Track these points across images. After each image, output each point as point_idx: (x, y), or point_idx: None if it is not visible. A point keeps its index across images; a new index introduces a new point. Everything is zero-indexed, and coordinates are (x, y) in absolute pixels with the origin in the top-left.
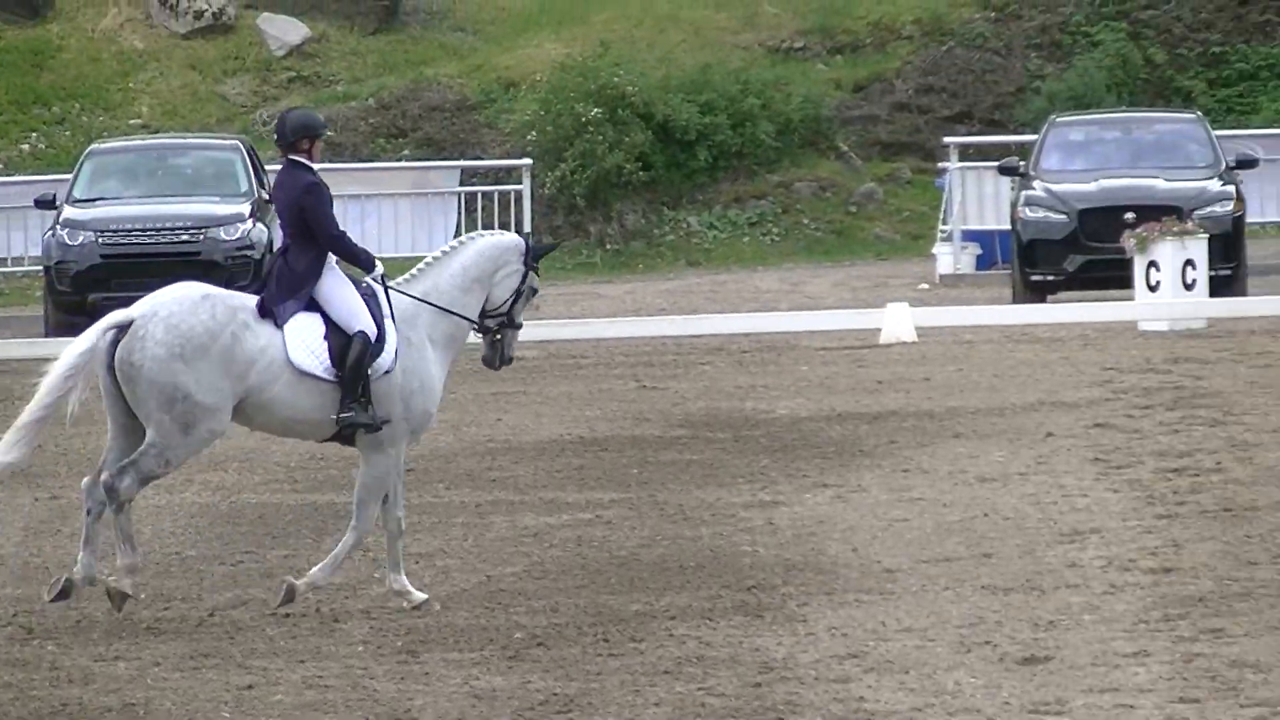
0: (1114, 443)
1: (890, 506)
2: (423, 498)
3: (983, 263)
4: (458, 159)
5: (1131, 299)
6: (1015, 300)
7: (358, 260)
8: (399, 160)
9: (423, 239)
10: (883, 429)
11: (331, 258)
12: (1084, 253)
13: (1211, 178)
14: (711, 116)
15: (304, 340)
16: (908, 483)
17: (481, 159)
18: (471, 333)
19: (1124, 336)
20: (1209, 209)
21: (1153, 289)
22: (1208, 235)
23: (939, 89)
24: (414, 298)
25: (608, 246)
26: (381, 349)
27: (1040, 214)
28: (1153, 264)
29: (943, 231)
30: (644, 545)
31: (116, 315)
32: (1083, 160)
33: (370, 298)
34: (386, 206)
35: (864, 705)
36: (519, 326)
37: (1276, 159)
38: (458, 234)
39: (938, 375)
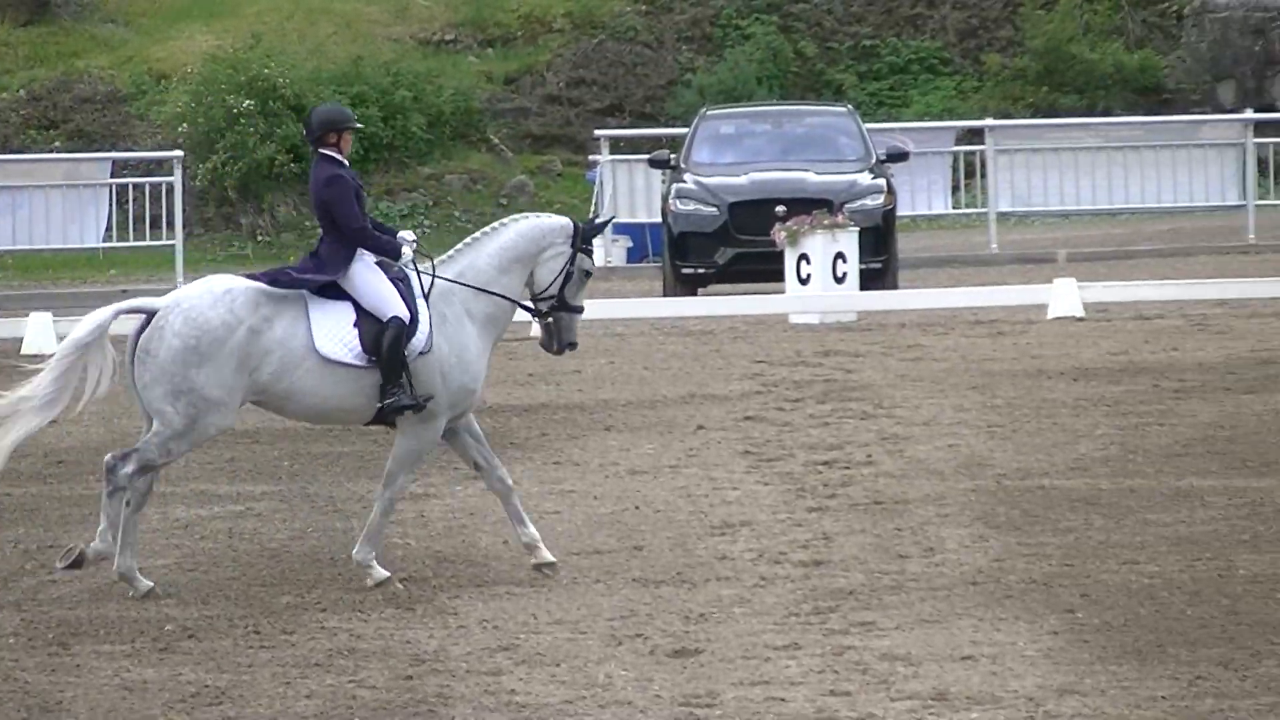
0: (765, 435)
1: (541, 499)
2: (74, 490)
3: (633, 255)
4: (109, 151)
5: (782, 292)
6: (666, 293)
7: (384, 251)
8: (50, 152)
9: (74, 231)
10: (534, 421)
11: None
12: (735, 246)
13: (862, 171)
14: (362, 109)
15: (331, 328)
16: (559, 475)
17: (133, 150)
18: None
19: (775, 329)
20: (859, 202)
21: (803, 282)
22: (858, 228)
23: (590, 82)
24: (447, 279)
25: (259, 238)
26: (415, 330)
27: (691, 207)
28: (803, 257)
29: None
30: (295, 538)
31: (139, 301)
32: (733, 153)
33: (402, 280)
34: (38, 198)
35: (515, 698)
36: (577, 310)
37: (927, 152)
38: (109, 227)
39: (589, 368)
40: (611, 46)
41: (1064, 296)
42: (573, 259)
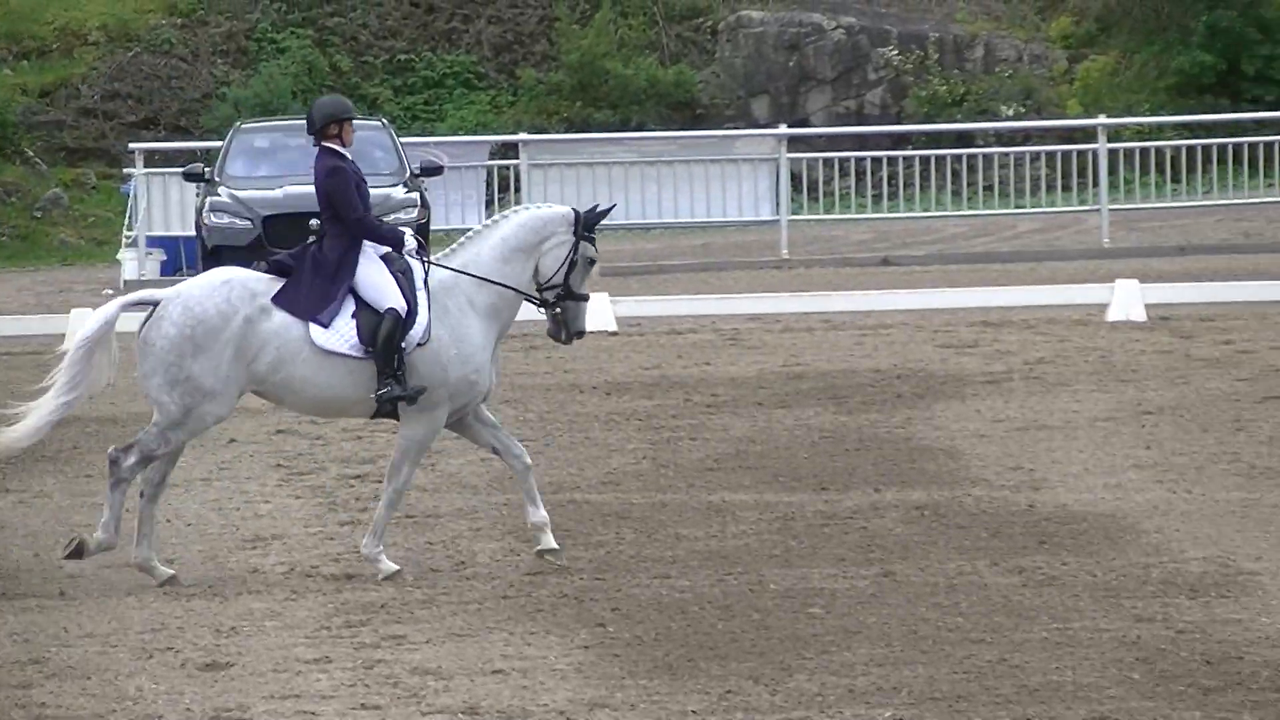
0: (297, 449)
1: (73, 511)
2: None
3: (168, 269)
4: None
5: None
6: None
7: (386, 239)
8: None
9: None
10: (67, 434)
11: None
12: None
13: (396, 184)
14: None
15: (329, 319)
16: (91, 488)
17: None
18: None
19: None
20: (394, 216)
21: None
22: None
23: (125, 95)
24: (450, 269)
25: None
26: (413, 322)
27: (225, 220)
28: None
29: (128, 237)
30: None
31: (144, 293)
32: (268, 166)
33: (404, 273)
34: None
35: (46, 711)
36: (583, 298)
37: (461, 166)
38: None
39: (122, 381)
40: (147, 59)
41: (598, 311)
42: (575, 247)
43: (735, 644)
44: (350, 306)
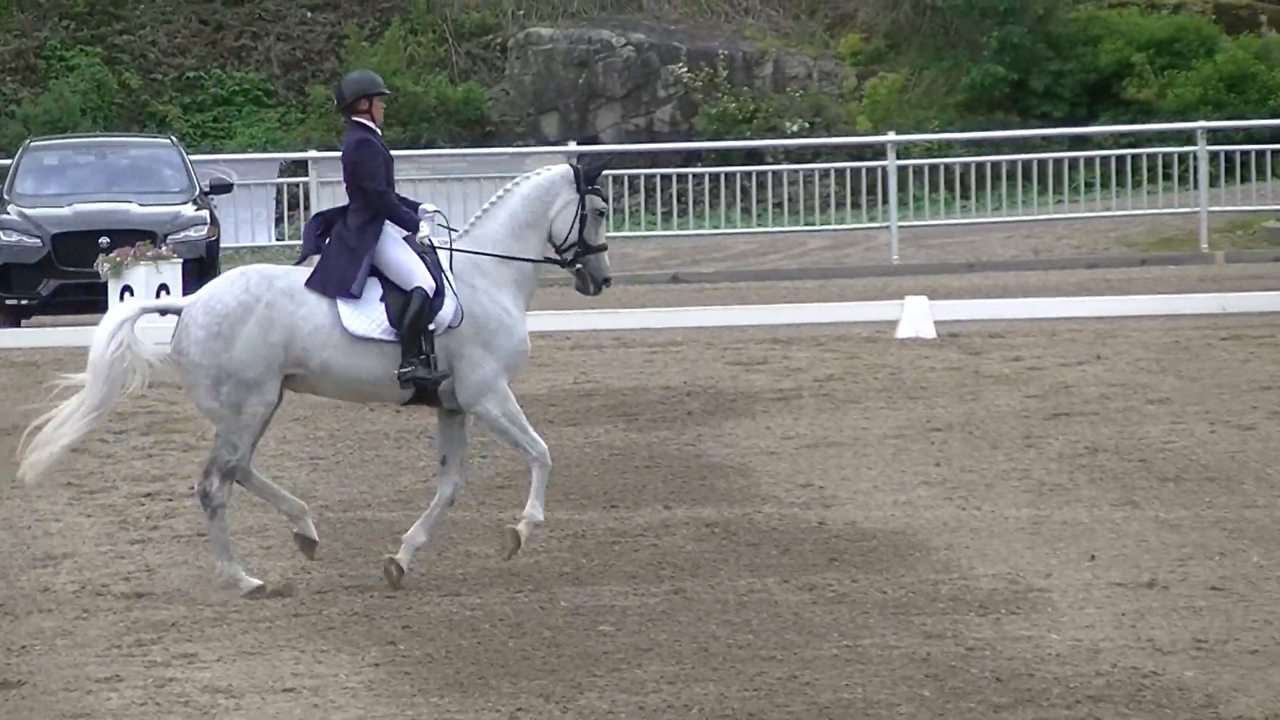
0: (88, 467)
1: None
2: None
3: None
4: None
5: None
6: None
7: (402, 221)
8: None
9: None
10: None
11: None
12: (58, 277)
13: (186, 203)
14: None
15: (357, 304)
16: None
17: None
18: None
19: None
20: (183, 234)
21: None
22: (182, 260)
23: None
24: (467, 252)
25: None
26: (441, 303)
27: (14, 238)
28: (127, 288)
29: None
30: None
31: (165, 301)
32: (58, 185)
33: (428, 253)
34: None
35: None
36: (601, 248)
37: (251, 184)
38: None
39: None
40: None
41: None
42: (582, 203)
43: (526, 661)
44: (377, 290)
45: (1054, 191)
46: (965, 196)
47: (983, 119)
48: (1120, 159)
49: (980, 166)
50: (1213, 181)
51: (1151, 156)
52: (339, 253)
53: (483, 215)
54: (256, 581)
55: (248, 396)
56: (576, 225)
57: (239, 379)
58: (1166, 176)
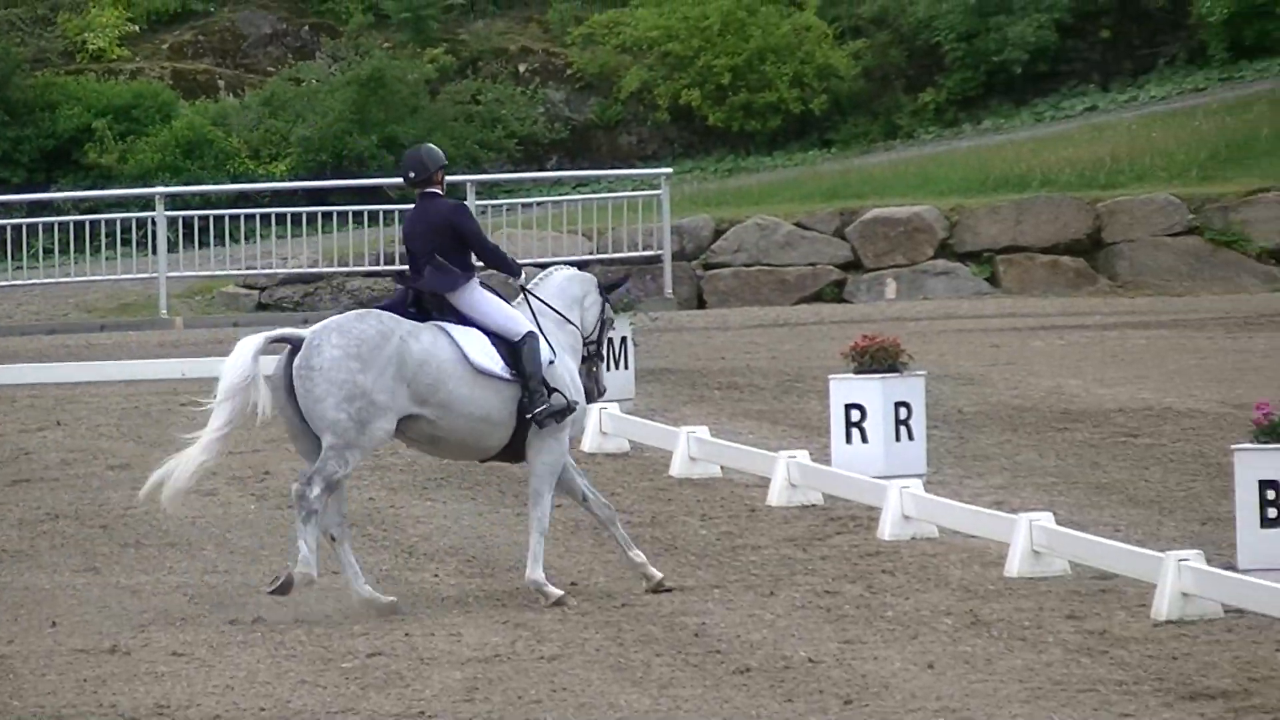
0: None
1: None
2: None
3: None
4: None
5: None
6: None
7: (507, 267)
8: None
9: None
10: None
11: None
12: None
13: None
14: None
15: (475, 343)
16: None
17: None
18: None
19: None
20: None
21: None
22: None
23: None
24: (546, 304)
25: None
26: (537, 343)
27: None
28: None
29: None
30: None
31: (283, 331)
32: None
33: (520, 304)
34: None
35: None
36: (603, 358)
37: None
38: None
39: None
40: None
41: None
42: (604, 307)
43: None
44: (484, 335)
45: (13, 258)
46: None
47: None
48: (80, 224)
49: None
50: (171, 247)
51: (111, 222)
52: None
53: (534, 287)
54: (390, 599)
55: (376, 418)
56: (598, 326)
57: (370, 399)
58: (126, 242)
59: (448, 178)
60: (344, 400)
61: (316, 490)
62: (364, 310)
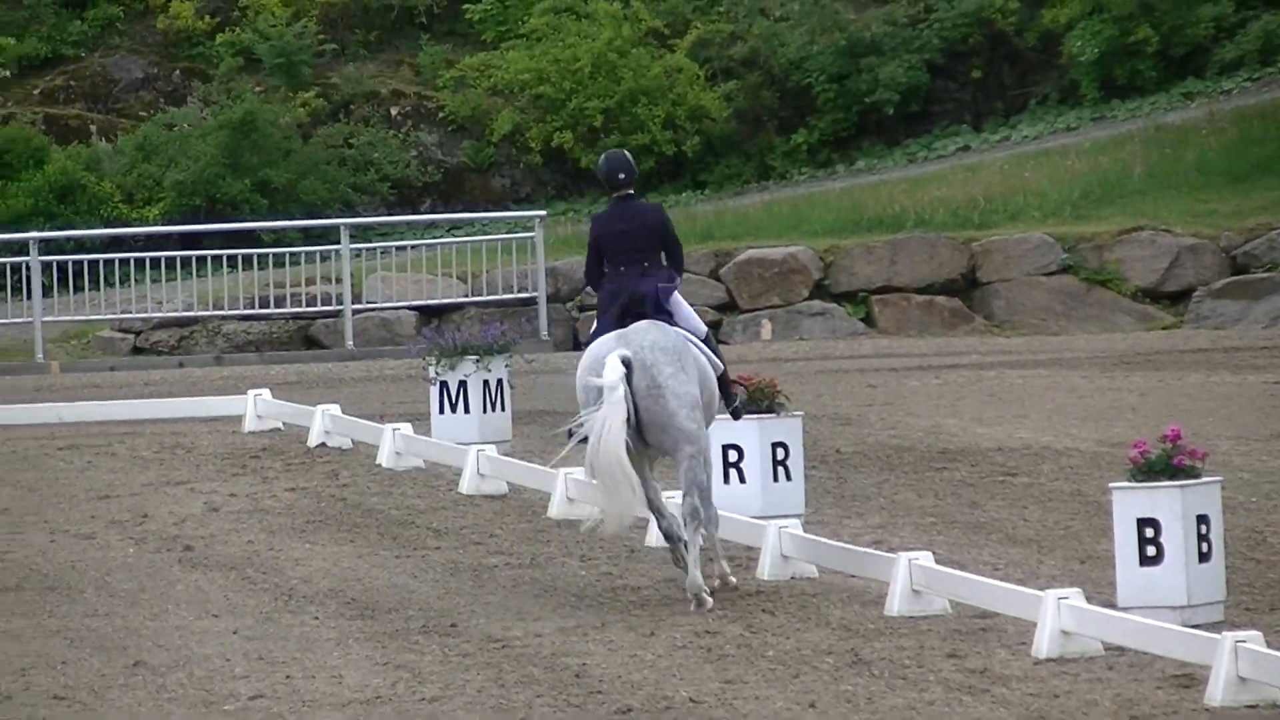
0: None
1: None
2: None
3: None
4: None
5: None
6: None
7: (680, 268)
8: None
9: None
10: None
11: None
12: None
13: None
14: None
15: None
16: None
17: None
18: None
19: None
20: None
21: None
22: None
23: None
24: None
25: None
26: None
27: None
28: None
29: None
30: None
31: (618, 354)
32: None
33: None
34: None
35: None
36: None
37: None
38: None
39: None
40: None
41: None
42: None
43: None
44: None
45: None
46: None
47: None
48: None
49: None
50: (46, 291)
51: None
52: (661, 300)
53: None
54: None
55: (707, 419)
56: None
57: (698, 404)
58: (0, 287)
59: (320, 221)
60: (691, 410)
61: (697, 500)
62: (649, 322)
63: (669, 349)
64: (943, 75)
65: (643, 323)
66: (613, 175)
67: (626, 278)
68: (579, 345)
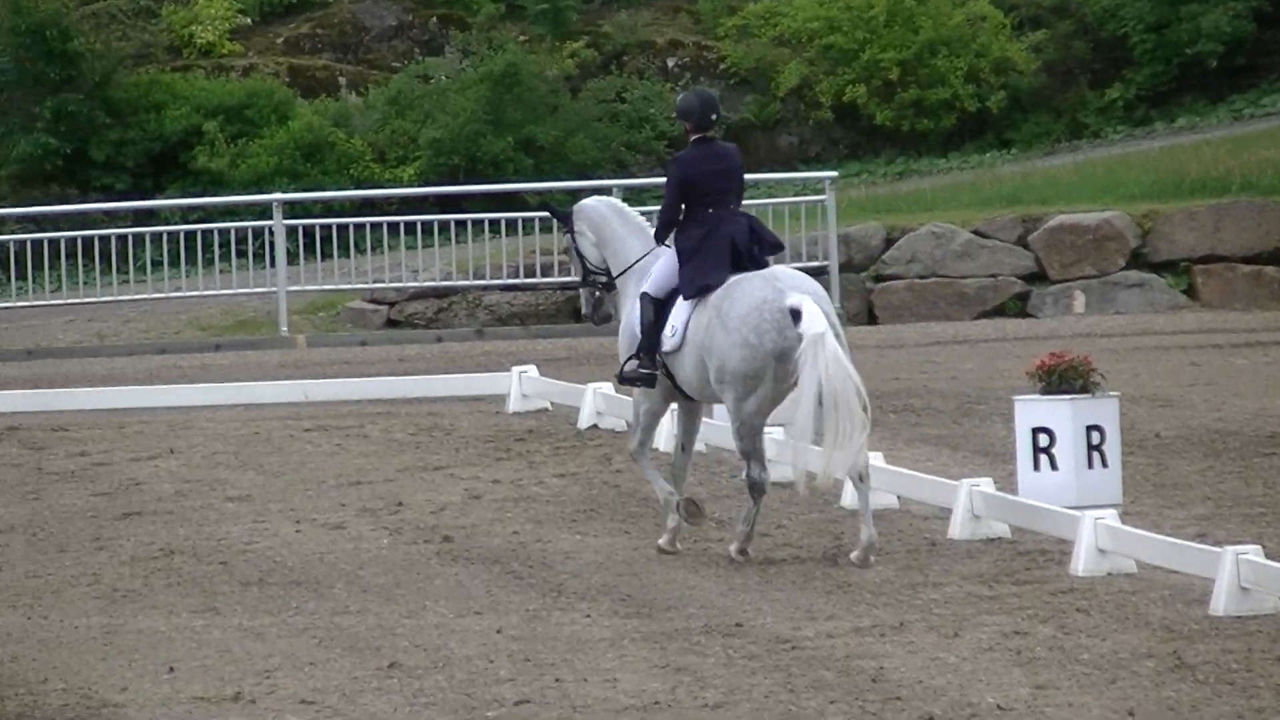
0: None
1: None
2: None
3: None
4: None
5: None
6: None
7: None
8: None
9: None
10: None
11: None
12: None
13: None
14: None
15: None
16: None
17: None
18: None
19: None
20: None
21: None
22: None
23: None
24: None
25: None
26: None
27: None
28: None
29: None
30: None
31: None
32: None
33: None
34: None
35: None
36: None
37: None
38: None
39: None
40: None
41: None
42: None
43: None
44: None
45: (119, 271)
46: (22, 277)
47: (38, 193)
48: (190, 234)
49: (37, 244)
50: (291, 259)
51: (224, 232)
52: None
53: None
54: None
55: None
56: None
57: None
58: (241, 254)
59: (590, 182)
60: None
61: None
62: (777, 268)
63: (827, 299)
64: (1271, 24)
65: (784, 269)
66: (706, 114)
67: (718, 218)
68: (874, 319)
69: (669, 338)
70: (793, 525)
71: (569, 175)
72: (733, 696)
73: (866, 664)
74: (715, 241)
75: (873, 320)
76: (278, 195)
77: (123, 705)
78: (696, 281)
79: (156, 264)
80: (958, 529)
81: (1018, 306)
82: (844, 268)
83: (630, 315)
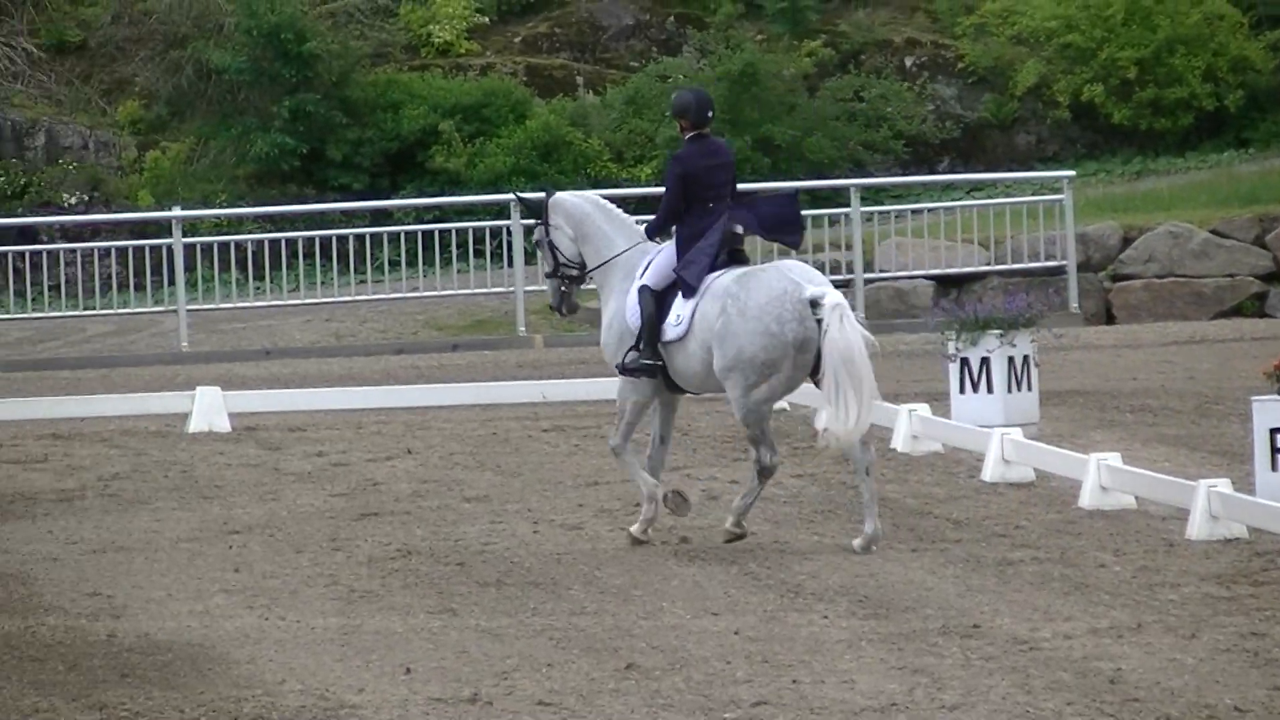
0: None
1: None
2: None
3: None
4: None
5: None
6: None
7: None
8: None
9: None
10: None
11: None
12: None
13: None
14: None
15: None
16: None
17: None
18: None
19: None
20: None
21: None
22: None
23: None
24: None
25: None
26: None
27: None
28: None
29: None
30: None
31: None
32: None
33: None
34: None
35: None
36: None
37: None
38: None
39: None
40: None
41: None
42: None
43: None
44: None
45: (356, 271)
46: (259, 277)
47: (276, 192)
48: (427, 234)
49: (275, 244)
50: (529, 259)
51: (461, 231)
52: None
53: None
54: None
55: None
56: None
57: None
58: (479, 253)
59: (828, 181)
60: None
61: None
62: (787, 261)
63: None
64: None
65: (796, 263)
66: (702, 112)
67: (718, 211)
68: (1112, 318)
69: (673, 326)
70: (1030, 526)
71: (807, 174)
72: (970, 698)
73: (1104, 665)
74: (715, 233)
75: (1110, 320)
76: (513, 195)
77: (359, 706)
78: (694, 267)
79: (393, 264)
80: (1195, 529)
81: (1255, 306)
82: (1081, 267)
83: (620, 308)
